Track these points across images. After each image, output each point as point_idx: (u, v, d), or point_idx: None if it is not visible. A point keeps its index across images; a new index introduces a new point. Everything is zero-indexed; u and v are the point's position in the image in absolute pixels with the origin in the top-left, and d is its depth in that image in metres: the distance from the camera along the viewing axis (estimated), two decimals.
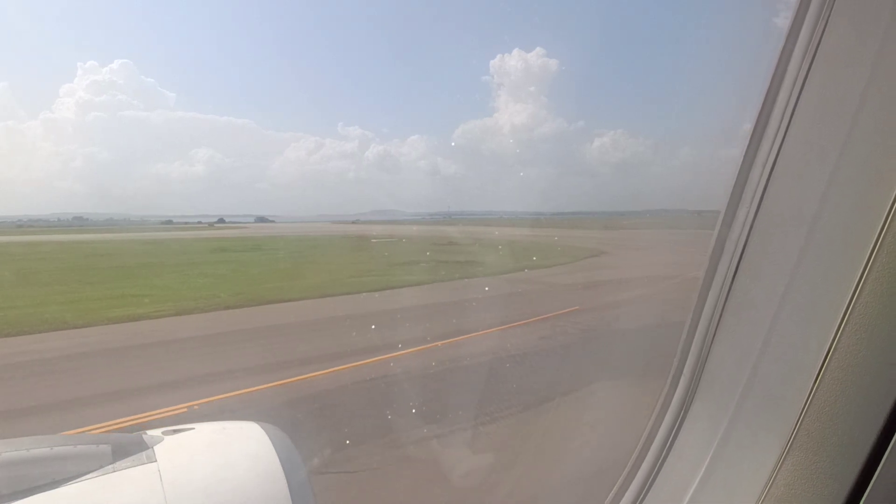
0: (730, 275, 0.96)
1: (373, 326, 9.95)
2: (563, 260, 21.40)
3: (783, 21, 0.86)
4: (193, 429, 1.34)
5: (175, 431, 1.30)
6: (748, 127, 0.93)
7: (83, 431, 4.99)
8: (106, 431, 4.78)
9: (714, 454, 0.97)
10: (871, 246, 0.70)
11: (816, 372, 0.77)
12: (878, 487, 0.69)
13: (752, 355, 0.91)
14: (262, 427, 1.37)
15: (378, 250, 30.71)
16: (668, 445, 1.08)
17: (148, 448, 1.20)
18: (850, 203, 0.77)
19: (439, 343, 8.40)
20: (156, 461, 1.16)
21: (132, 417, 5.50)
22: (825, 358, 0.76)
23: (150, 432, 1.28)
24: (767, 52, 0.91)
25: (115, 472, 1.13)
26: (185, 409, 5.70)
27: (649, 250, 28.31)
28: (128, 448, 1.18)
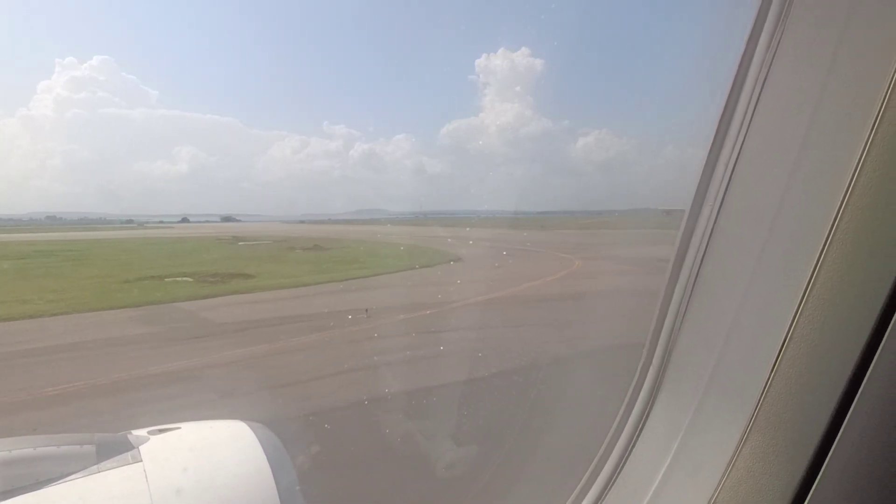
0: (695, 268, 1.01)
1: None
2: (370, 272, 18.73)
3: (744, 22, 0.91)
4: (180, 428, 1.34)
5: (161, 431, 1.29)
6: (712, 127, 0.97)
7: None
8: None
9: (681, 441, 1.01)
10: (824, 240, 0.74)
11: (774, 359, 0.80)
12: (831, 469, 0.72)
13: (717, 344, 0.95)
14: (249, 426, 1.38)
15: (199, 256, 26.39)
16: (637, 433, 1.13)
17: (133, 448, 1.19)
18: (806, 200, 0.81)
19: None
20: (141, 461, 1.15)
21: None
22: (782, 345, 0.79)
23: (136, 432, 1.26)
24: (730, 53, 0.95)
25: (99, 472, 1.11)
26: None
27: (520, 257, 23.76)
28: (112, 448, 1.17)
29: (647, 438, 1.12)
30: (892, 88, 0.67)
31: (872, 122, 0.68)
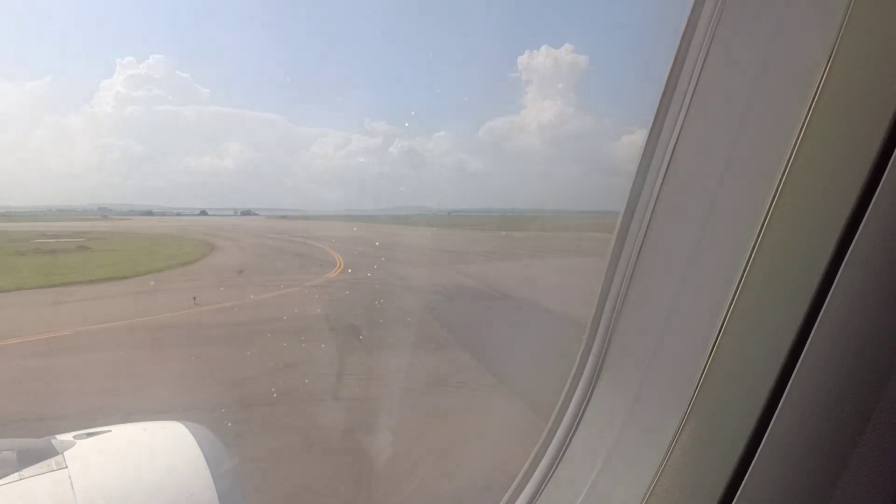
0: (634, 254, 1.00)
1: None
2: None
3: (677, 24, 0.92)
4: (110, 431, 1.30)
5: (89, 435, 1.26)
6: (650, 116, 0.96)
7: None
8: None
9: (620, 432, 0.99)
10: (758, 229, 0.75)
11: (711, 346, 0.80)
12: (765, 454, 0.71)
13: (656, 332, 0.94)
14: (186, 427, 1.33)
15: None
16: (576, 425, 1.09)
17: (57, 453, 1.16)
18: (745, 183, 0.82)
19: None
20: (66, 467, 1.12)
21: None
22: (718, 332, 0.79)
23: (61, 436, 1.23)
24: (662, 55, 0.96)
25: (20, 480, 1.09)
26: None
27: (283, 260, 20.05)
28: (34, 454, 1.14)
29: (586, 430, 1.08)
30: (822, 87, 0.69)
31: (803, 119, 0.71)
